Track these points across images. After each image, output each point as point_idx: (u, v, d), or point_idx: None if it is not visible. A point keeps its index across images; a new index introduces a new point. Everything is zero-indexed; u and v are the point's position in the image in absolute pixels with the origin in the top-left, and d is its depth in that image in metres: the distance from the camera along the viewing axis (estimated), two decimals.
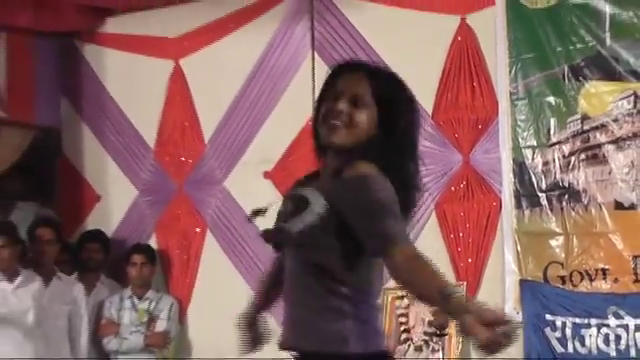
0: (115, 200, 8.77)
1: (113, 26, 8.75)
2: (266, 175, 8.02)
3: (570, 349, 6.93)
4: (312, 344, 3.45)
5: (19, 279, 7.58)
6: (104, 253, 8.46)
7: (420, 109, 3.63)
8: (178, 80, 8.50)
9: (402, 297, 7.51)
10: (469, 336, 2.96)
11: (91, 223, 8.78)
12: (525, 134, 7.21)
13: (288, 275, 3.56)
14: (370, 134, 3.46)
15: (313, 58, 7.97)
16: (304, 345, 3.48)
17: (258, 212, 3.56)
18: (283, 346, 3.55)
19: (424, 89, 7.35)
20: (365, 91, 3.47)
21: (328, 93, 3.56)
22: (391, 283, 7.51)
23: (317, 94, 8.18)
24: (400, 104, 3.53)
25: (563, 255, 7.04)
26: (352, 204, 3.31)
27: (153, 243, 8.51)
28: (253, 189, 7.83)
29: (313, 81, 7.86)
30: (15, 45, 8.45)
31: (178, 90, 8.51)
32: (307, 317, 3.48)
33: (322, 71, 7.63)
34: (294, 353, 3.52)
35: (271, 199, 3.63)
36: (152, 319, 8.12)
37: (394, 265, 3.22)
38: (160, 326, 8.09)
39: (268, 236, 3.53)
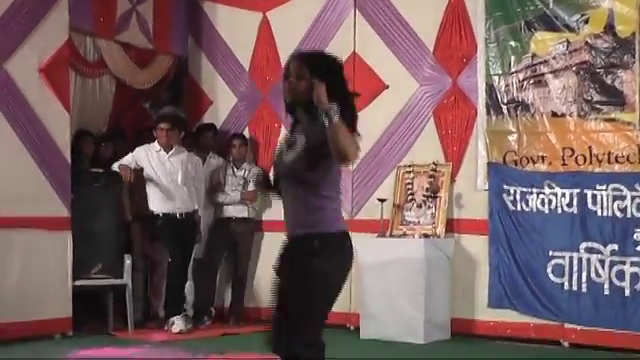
0: (222, 104, 8.74)
1: None
2: None
3: (519, 208, 7.00)
4: (305, 229, 3.50)
5: (172, 151, 7.75)
6: (214, 138, 8.49)
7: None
8: (265, 26, 8.43)
9: (409, 172, 7.49)
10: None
11: (206, 118, 8.78)
12: (494, 66, 7.19)
13: (285, 193, 3.61)
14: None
15: (355, 14, 7.88)
16: (300, 232, 3.53)
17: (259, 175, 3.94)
18: (288, 237, 3.60)
19: (428, 35, 7.54)
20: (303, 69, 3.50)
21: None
22: (402, 162, 7.65)
23: (357, 39, 8.19)
24: (329, 70, 3.54)
25: (516, 146, 7.06)
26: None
27: (246, 133, 8.51)
28: None
29: (354, 30, 7.88)
30: (159, 3, 8.44)
31: (264, 32, 8.45)
32: (300, 215, 3.53)
33: (361, 23, 7.84)
34: (293, 239, 3.58)
35: None
36: (246, 182, 8.16)
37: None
38: (251, 187, 8.04)
39: (275, 168, 3.71)
